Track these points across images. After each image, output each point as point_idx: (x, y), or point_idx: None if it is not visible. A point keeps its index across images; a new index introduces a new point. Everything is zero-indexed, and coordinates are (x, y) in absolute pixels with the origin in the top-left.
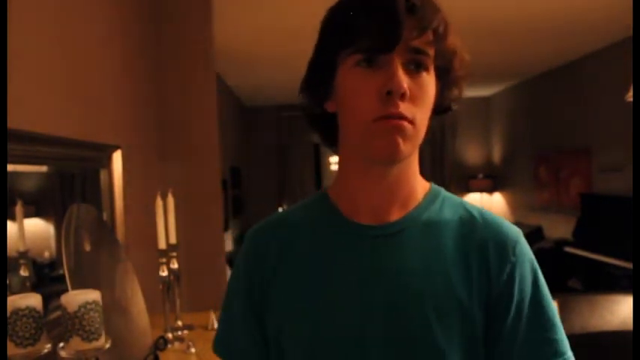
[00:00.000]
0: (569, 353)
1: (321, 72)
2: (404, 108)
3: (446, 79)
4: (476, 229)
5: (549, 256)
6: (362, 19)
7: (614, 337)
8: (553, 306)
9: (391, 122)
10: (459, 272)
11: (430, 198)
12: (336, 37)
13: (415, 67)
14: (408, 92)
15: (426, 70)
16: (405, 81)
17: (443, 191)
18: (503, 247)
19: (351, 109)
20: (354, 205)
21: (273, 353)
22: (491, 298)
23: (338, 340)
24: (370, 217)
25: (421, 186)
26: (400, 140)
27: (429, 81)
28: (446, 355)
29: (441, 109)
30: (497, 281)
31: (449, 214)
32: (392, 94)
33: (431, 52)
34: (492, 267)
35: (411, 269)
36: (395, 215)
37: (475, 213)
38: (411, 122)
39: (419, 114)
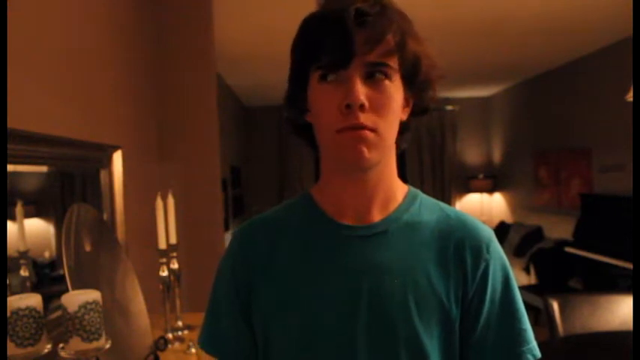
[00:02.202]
0: (534, 342)
1: (296, 87)
2: (365, 118)
3: (414, 83)
4: (452, 230)
5: (549, 256)
6: (320, 36)
7: (614, 337)
8: (520, 299)
9: (353, 133)
10: (438, 270)
11: (409, 200)
12: (302, 54)
13: (376, 78)
14: (365, 104)
15: (389, 78)
16: (362, 93)
17: (420, 193)
18: (478, 246)
19: (319, 121)
20: (337, 206)
21: (261, 350)
22: (466, 294)
23: (325, 335)
24: (353, 218)
25: (400, 188)
26: (364, 149)
27: (393, 89)
28: (426, 348)
29: (418, 110)
30: (472, 278)
31: (427, 215)
32: (351, 107)
33: (391, 61)
34: (468, 265)
35: (393, 267)
36: (377, 216)
37: (451, 214)
38: (373, 130)
39: (382, 122)
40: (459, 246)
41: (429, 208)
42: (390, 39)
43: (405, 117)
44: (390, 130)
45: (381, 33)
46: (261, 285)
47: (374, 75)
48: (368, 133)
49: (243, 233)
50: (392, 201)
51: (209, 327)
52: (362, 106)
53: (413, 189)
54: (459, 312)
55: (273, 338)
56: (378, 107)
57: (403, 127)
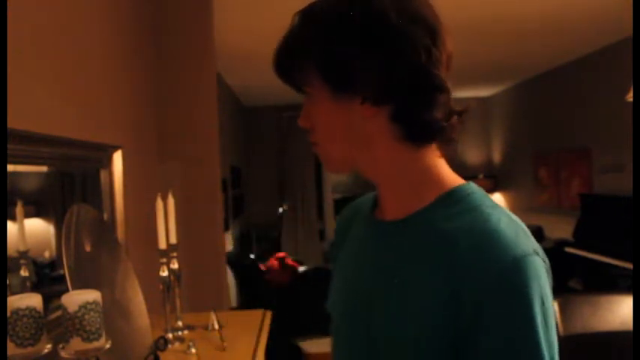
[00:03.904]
0: None
1: None
2: (311, 137)
3: (338, 82)
4: (462, 248)
5: (549, 256)
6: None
7: (615, 337)
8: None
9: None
10: (432, 295)
11: (438, 202)
12: None
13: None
14: (304, 125)
15: (312, 97)
16: (302, 117)
17: (467, 194)
18: (479, 277)
19: None
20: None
21: None
22: (458, 337)
23: (337, 327)
24: (383, 213)
25: (433, 188)
26: (321, 160)
27: (317, 103)
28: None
29: (379, 97)
30: (463, 318)
31: (450, 222)
32: None
33: (310, 87)
34: (463, 299)
35: (389, 272)
36: (399, 215)
37: (476, 225)
38: (316, 145)
39: (318, 135)
40: (459, 274)
41: (461, 213)
42: (296, 61)
43: (369, 111)
44: (328, 139)
45: (289, 78)
46: (335, 258)
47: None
48: (315, 148)
49: (342, 210)
50: (415, 200)
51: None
52: (305, 128)
53: (459, 189)
54: (451, 354)
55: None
56: (313, 124)
57: (398, 116)
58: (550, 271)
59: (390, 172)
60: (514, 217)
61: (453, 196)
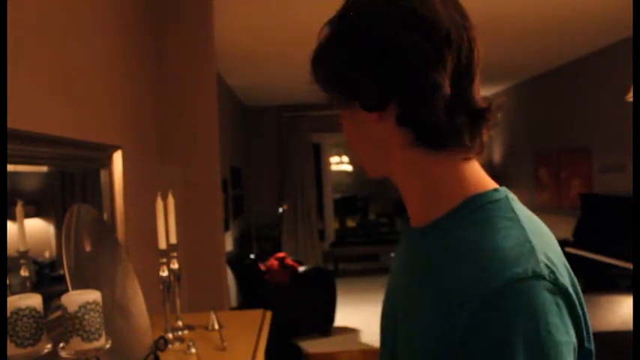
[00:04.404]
0: None
1: None
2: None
3: (345, 96)
4: (462, 263)
5: None
6: None
7: (615, 337)
8: None
9: None
10: (434, 308)
11: (457, 209)
12: None
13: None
14: (348, 144)
15: (342, 114)
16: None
17: (488, 202)
18: (469, 297)
19: None
20: None
21: None
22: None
23: (380, 332)
24: (411, 220)
25: (453, 196)
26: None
27: (348, 119)
28: None
29: (374, 104)
30: (454, 337)
31: (460, 232)
32: None
33: (341, 110)
34: (456, 316)
35: (407, 284)
36: (421, 222)
37: (480, 239)
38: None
39: (359, 151)
40: (449, 290)
41: (475, 223)
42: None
43: (373, 115)
44: (366, 152)
45: (325, 98)
46: None
47: None
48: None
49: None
50: (435, 209)
51: None
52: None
53: (480, 196)
54: None
55: None
56: (350, 141)
57: (401, 120)
58: (570, 293)
59: (407, 177)
60: (535, 230)
61: (472, 204)
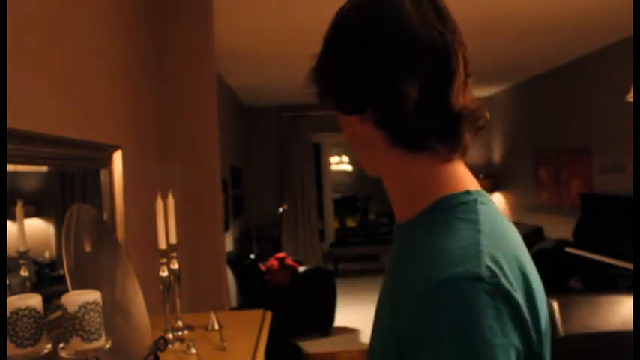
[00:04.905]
0: None
1: None
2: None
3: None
4: (417, 261)
5: (549, 256)
6: None
7: (615, 337)
8: None
9: None
10: (391, 307)
11: (431, 210)
12: None
13: None
14: (348, 144)
15: (339, 118)
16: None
17: (456, 204)
18: (414, 294)
19: None
20: None
21: None
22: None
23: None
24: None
25: (431, 194)
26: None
27: (345, 123)
28: None
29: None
30: (405, 332)
31: (426, 232)
32: None
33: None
34: (399, 316)
35: (385, 278)
36: (403, 220)
37: (435, 239)
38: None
39: (357, 153)
40: (404, 291)
41: (439, 224)
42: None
43: (357, 120)
44: (363, 152)
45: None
46: None
47: None
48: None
49: None
50: (411, 206)
51: None
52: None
53: (447, 198)
54: None
55: None
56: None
57: (378, 122)
58: (513, 297)
59: (391, 176)
60: (493, 234)
61: (442, 205)
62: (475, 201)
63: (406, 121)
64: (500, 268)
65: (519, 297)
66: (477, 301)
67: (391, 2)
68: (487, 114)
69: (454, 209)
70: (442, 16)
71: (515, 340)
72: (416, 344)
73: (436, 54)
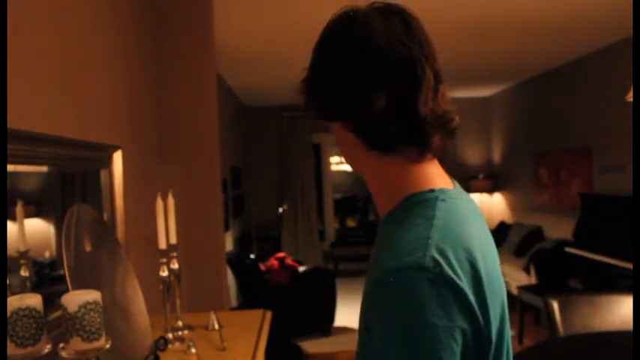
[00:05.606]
0: None
1: None
2: None
3: (318, 108)
4: (381, 252)
5: (549, 256)
6: None
7: (615, 337)
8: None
9: None
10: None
11: (399, 207)
12: None
13: None
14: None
15: (330, 125)
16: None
17: (419, 201)
18: (372, 280)
19: None
20: None
21: None
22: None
23: None
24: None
25: (401, 192)
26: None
27: (332, 127)
28: None
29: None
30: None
31: (393, 226)
32: None
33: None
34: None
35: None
36: (382, 216)
37: (395, 232)
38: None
39: (343, 154)
40: (370, 279)
41: (407, 218)
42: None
43: (341, 129)
44: (348, 154)
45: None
46: None
47: None
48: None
49: None
50: (387, 203)
51: None
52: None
53: (415, 196)
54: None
55: None
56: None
57: (349, 128)
58: (456, 284)
59: (370, 176)
60: (445, 228)
61: (407, 202)
62: (436, 198)
63: (376, 128)
64: (446, 258)
65: (465, 285)
66: (420, 289)
67: (364, 22)
68: (457, 117)
69: (415, 206)
70: (410, 31)
71: (460, 322)
72: (371, 329)
73: (402, 66)
